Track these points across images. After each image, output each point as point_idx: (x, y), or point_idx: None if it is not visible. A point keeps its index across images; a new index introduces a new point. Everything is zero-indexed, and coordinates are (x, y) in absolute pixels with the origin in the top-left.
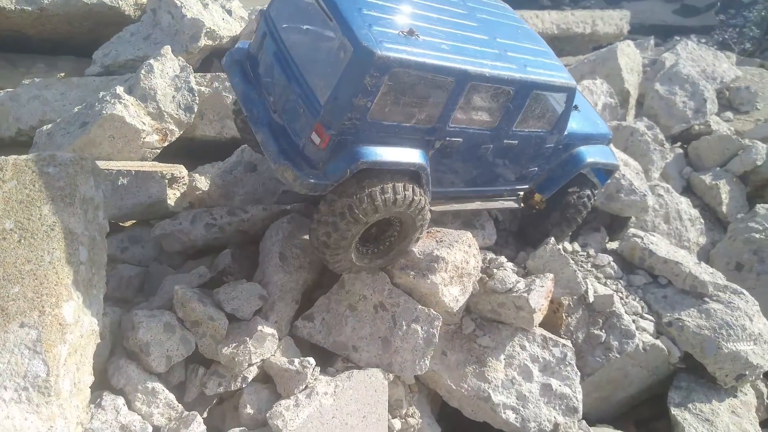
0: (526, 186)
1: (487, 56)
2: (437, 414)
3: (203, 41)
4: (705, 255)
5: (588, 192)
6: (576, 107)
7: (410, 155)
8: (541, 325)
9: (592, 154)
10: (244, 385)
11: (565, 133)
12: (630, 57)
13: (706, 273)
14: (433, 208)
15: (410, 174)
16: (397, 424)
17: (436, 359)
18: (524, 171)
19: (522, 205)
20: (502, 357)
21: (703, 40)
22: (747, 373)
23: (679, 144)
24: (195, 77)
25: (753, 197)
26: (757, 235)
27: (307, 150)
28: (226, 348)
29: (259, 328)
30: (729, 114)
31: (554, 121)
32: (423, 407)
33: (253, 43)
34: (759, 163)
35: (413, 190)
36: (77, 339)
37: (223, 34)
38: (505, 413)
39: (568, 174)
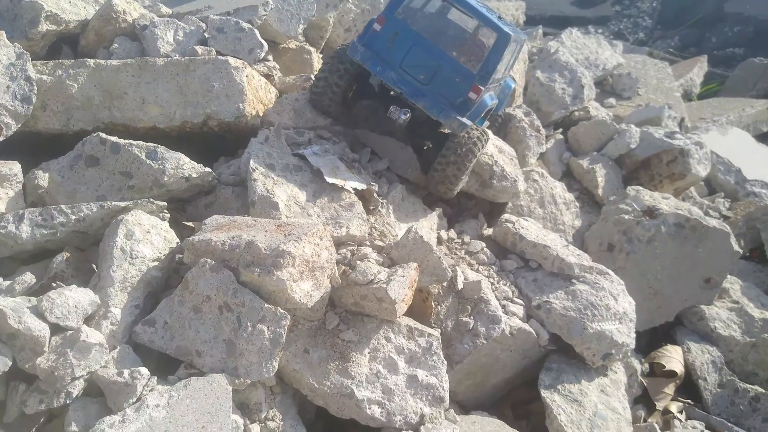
0: None
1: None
2: (314, 412)
3: (44, 26)
4: (580, 237)
5: None
6: None
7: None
8: (411, 315)
9: None
10: (68, 401)
11: None
12: None
13: (573, 255)
14: None
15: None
16: (255, 429)
17: (298, 358)
18: None
19: None
20: (367, 351)
21: (600, 31)
22: (613, 352)
23: (560, 130)
24: (35, 65)
25: (628, 179)
26: (627, 216)
27: (462, 105)
28: (44, 361)
29: (83, 338)
30: (612, 100)
31: None
32: (287, 409)
33: (380, 40)
34: (633, 146)
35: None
36: None
37: (68, 18)
38: (370, 408)
39: None
